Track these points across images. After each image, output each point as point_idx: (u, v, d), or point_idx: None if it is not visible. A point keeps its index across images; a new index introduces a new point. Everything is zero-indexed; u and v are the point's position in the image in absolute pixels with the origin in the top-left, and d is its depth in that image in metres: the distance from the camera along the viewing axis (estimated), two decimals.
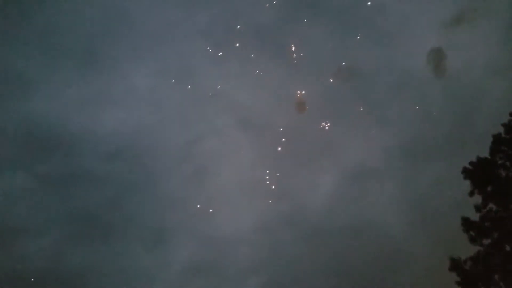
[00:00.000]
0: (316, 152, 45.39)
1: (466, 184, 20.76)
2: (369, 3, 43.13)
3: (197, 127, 46.98)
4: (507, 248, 19.54)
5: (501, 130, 20.71)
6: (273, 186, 44.03)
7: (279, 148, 45.08)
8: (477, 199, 20.54)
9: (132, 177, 44.82)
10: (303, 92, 43.59)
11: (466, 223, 20.46)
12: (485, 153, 20.69)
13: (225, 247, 43.24)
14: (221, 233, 43.22)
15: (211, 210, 43.45)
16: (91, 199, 43.16)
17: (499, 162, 20.40)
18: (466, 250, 20.38)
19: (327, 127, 43.50)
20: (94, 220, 42.59)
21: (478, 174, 20.46)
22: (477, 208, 20.40)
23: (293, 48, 42.94)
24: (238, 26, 43.95)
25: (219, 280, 41.96)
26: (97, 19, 44.37)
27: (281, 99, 45.78)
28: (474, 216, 20.44)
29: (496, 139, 20.60)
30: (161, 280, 41.84)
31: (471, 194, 20.61)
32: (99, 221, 42.65)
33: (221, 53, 43.73)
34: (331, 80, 43.52)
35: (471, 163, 20.75)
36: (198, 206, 43.21)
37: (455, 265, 20.23)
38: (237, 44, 43.39)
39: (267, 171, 44.89)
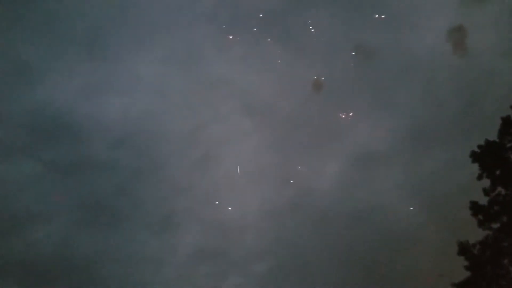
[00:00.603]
0: (323, 136, 45.11)
1: (475, 168, 20.54)
2: None
3: (203, 113, 46.79)
4: None
5: (510, 112, 20.38)
6: (279, 172, 44.00)
7: (286, 133, 44.91)
8: (486, 182, 20.37)
9: (138, 163, 44.98)
10: (312, 76, 43.05)
11: (475, 207, 20.37)
12: (493, 136, 20.42)
13: (232, 233, 43.50)
14: (227, 218, 43.41)
15: (217, 196, 43.60)
16: (98, 186, 43.46)
17: (508, 145, 20.16)
18: (475, 234, 20.26)
19: (334, 112, 43.16)
20: (101, 207, 42.94)
21: (487, 157, 20.22)
22: (486, 192, 20.26)
23: (302, 31, 42.21)
24: (245, 10, 43.40)
25: (226, 265, 42.31)
26: (101, 7, 44.09)
27: (288, 84, 45.38)
28: (483, 200, 20.30)
29: (505, 121, 20.30)
30: (169, 265, 42.26)
31: (480, 177, 20.42)
32: (106, 208, 42.98)
33: (227, 38, 43.25)
34: (343, 63, 42.71)
35: (479, 146, 20.48)
36: (217, 202, 43.24)
37: (464, 249, 20.23)
38: (244, 29, 42.90)
39: (274, 157, 44.87)
